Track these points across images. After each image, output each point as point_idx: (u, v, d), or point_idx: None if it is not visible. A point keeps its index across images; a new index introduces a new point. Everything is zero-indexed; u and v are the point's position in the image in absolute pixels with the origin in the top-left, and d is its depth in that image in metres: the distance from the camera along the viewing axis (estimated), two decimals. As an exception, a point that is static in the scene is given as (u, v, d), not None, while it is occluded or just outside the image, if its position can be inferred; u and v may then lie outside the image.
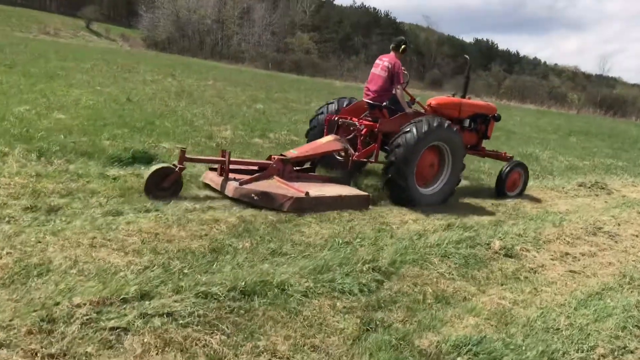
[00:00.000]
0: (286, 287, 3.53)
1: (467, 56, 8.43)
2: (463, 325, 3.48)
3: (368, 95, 6.82)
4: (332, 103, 7.34)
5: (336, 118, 6.94)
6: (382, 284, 3.92)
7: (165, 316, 2.95)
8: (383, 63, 6.73)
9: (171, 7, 65.58)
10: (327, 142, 6.54)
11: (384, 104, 6.70)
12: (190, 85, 16.90)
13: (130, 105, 10.60)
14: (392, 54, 6.80)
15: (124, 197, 4.96)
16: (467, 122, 7.58)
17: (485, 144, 8.21)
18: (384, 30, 75.18)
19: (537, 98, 43.14)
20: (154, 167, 5.19)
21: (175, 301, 3.12)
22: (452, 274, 4.33)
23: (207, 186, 5.74)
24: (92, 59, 21.13)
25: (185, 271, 3.58)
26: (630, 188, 10.09)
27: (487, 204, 7.09)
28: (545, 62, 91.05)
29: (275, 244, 4.34)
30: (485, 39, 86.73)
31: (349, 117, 6.92)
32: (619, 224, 6.84)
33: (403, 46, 6.80)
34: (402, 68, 6.68)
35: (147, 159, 6.24)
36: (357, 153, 6.55)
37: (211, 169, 5.89)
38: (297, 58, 63.17)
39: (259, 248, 4.22)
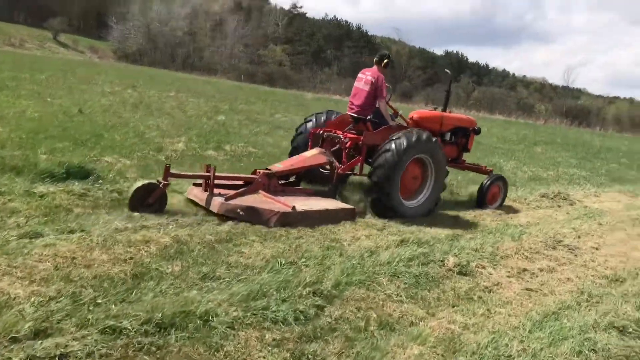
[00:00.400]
0: (211, 317, 3.16)
1: (448, 71, 8.69)
2: (406, 356, 3.17)
3: (352, 108, 6.87)
4: (320, 114, 7.35)
5: (321, 131, 6.90)
6: (323, 309, 3.59)
7: (57, 359, 2.56)
8: (366, 77, 6.77)
9: (142, 19, 64.83)
10: (312, 155, 6.48)
11: (368, 117, 6.76)
12: (151, 96, 16.43)
13: (81, 117, 10.11)
14: (374, 67, 6.84)
15: (47, 217, 4.54)
16: (448, 136, 7.72)
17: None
18: (355, 42, 75.81)
19: (505, 109, 43.79)
20: (138, 184, 5.14)
21: (75, 339, 2.72)
22: (401, 296, 4.03)
23: (191, 202, 5.58)
24: (51, 70, 20.44)
25: (98, 301, 3.18)
26: (592, 198, 10.04)
27: (448, 216, 6.86)
28: (514, 74, 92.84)
29: (208, 267, 3.97)
30: (455, 52, 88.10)
31: (334, 130, 6.92)
32: (579, 237, 6.68)
33: (386, 60, 6.83)
34: (385, 82, 6.74)
35: (83, 174, 5.81)
36: (342, 166, 6.56)
37: (195, 185, 5.76)
38: (269, 70, 62.98)
39: (189, 272, 3.84)
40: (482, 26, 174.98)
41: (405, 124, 7.19)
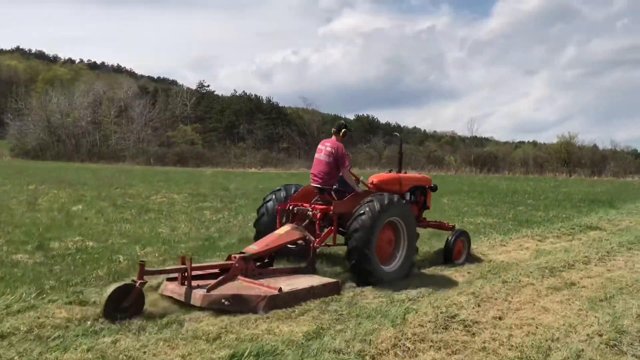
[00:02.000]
0: None
1: (397, 134, 9.11)
2: None
3: (316, 180, 6.86)
4: (279, 190, 7.30)
5: (290, 206, 6.81)
6: None
7: None
8: (326, 148, 6.82)
9: (41, 112, 61.83)
10: (286, 232, 6.35)
11: (334, 187, 6.79)
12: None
13: None
14: (333, 138, 6.90)
15: None
16: (407, 196, 7.79)
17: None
18: (267, 115, 76.11)
19: (416, 164, 44.44)
20: (112, 287, 4.74)
21: None
22: None
23: (167, 299, 5.16)
24: None
25: None
26: (498, 249, 9.04)
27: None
28: (425, 130, 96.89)
29: None
30: (366, 115, 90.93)
31: (300, 204, 6.86)
32: (479, 305, 5.39)
33: (343, 130, 6.89)
34: (345, 151, 6.78)
35: None
36: (317, 240, 6.43)
37: (169, 279, 5.41)
38: (179, 150, 61.14)
39: None
40: (392, 89, 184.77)
41: (367, 189, 7.15)
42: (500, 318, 5.04)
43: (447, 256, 7.73)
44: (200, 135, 70.22)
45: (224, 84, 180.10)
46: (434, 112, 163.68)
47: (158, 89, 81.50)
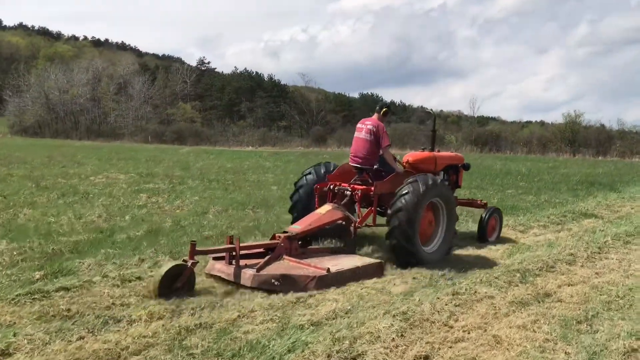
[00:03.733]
0: None
1: (431, 110, 8.99)
2: None
3: (355, 159, 6.75)
4: (318, 166, 7.19)
5: (331, 185, 6.71)
6: None
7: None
8: (366, 127, 6.71)
9: (39, 89, 60.80)
10: (327, 212, 6.24)
11: (375, 166, 6.76)
12: None
13: None
14: (374, 116, 6.86)
15: None
16: (441, 175, 7.68)
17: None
18: (268, 93, 74.21)
19: (416, 143, 42.68)
20: (165, 268, 4.72)
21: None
22: None
23: (214, 278, 5.19)
24: None
25: None
26: (469, 248, 7.52)
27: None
28: (431, 109, 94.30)
29: None
30: (370, 93, 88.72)
31: (339, 183, 6.74)
32: (403, 333, 3.93)
33: (385, 109, 6.85)
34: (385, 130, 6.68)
35: None
36: (359, 220, 6.49)
37: (215, 258, 5.38)
38: (177, 128, 59.85)
39: None
40: (401, 68, 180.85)
41: (407, 170, 7.02)
42: (426, 358, 3.59)
43: (481, 234, 7.74)
44: (200, 113, 68.87)
45: (230, 62, 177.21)
46: (442, 91, 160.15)
47: (159, 66, 79.90)
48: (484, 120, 70.48)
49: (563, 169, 23.93)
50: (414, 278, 5.62)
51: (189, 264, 4.79)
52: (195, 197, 10.36)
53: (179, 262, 4.90)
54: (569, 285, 5.54)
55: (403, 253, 5.99)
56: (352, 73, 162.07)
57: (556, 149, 42.01)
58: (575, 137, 43.54)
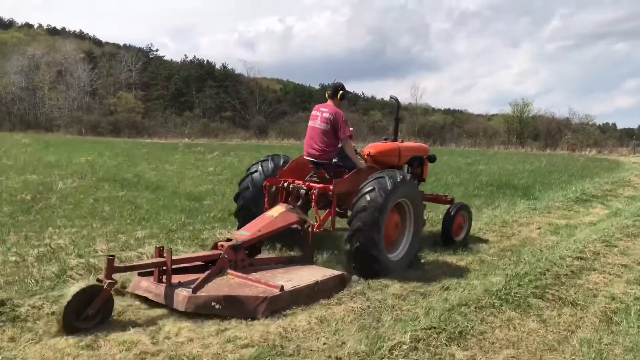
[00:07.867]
0: None
1: (394, 97, 7.34)
2: None
3: (311, 152, 6.01)
4: (266, 161, 6.46)
5: (284, 183, 5.95)
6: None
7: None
8: (322, 114, 5.93)
9: (-31, 76, 56.74)
10: (281, 214, 5.45)
11: (334, 161, 5.97)
12: None
13: None
14: (329, 102, 6.04)
15: None
16: (405, 168, 7.08)
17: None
18: (219, 82, 70.95)
19: (359, 134, 40.61)
20: (73, 290, 3.79)
21: None
22: None
23: (138, 298, 4.36)
24: None
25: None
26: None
27: None
28: (373, 97, 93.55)
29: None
30: (328, 84, 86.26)
31: (292, 180, 5.97)
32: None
33: (341, 92, 6.01)
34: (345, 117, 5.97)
35: None
36: (317, 223, 5.66)
37: (141, 274, 4.53)
38: (113, 119, 56.41)
39: None
40: (375, 61, 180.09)
41: (371, 165, 6.27)
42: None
43: (446, 233, 7.05)
44: (143, 104, 65.24)
45: (205, 53, 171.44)
46: (417, 83, 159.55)
47: (105, 53, 75.71)
48: (430, 113, 69.37)
49: (483, 164, 20.61)
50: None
51: (105, 284, 3.86)
52: None
53: (91, 282, 4.04)
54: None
55: (366, 259, 5.25)
56: (328, 65, 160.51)
57: (502, 142, 40.15)
58: (523, 128, 41.84)
